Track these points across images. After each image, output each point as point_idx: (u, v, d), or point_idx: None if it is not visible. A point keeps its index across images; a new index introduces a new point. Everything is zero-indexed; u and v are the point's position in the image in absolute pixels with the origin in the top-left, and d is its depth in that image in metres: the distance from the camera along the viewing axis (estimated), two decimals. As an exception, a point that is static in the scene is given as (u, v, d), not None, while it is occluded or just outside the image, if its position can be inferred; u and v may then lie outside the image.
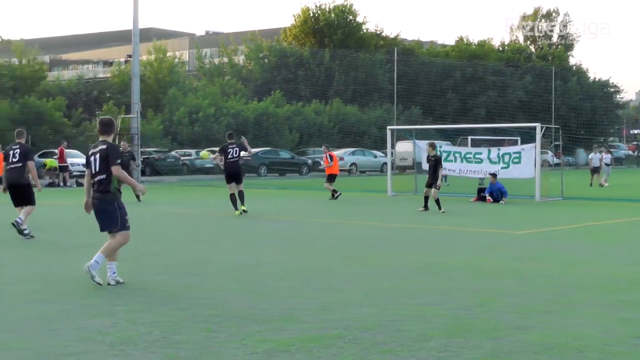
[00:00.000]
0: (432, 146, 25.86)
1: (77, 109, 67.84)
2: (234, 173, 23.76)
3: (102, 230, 11.48)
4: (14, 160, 17.33)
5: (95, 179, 11.29)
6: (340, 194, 30.89)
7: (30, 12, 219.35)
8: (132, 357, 7.41)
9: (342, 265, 13.22)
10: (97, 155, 11.29)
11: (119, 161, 11.29)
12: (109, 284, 11.04)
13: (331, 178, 31.47)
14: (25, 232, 17.08)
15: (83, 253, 14.84)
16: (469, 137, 47.54)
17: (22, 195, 17.48)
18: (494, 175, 29.41)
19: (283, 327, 8.52)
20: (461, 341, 7.94)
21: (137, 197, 27.27)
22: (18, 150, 17.39)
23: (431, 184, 24.74)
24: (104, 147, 11.34)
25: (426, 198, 24.93)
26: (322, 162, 35.27)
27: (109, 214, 11.26)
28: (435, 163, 24.90)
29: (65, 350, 7.61)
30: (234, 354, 7.50)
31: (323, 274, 12.24)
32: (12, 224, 17.13)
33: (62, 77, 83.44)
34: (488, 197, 28.68)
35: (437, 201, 24.39)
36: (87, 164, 11.50)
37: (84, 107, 69.80)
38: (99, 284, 10.90)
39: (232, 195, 23.57)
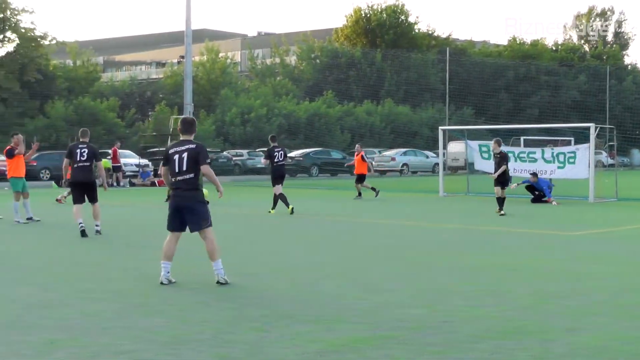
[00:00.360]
0: (498, 143, 25.00)
1: (130, 109, 68.47)
2: (280, 175, 23.98)
3: (193, 230, 11.48)
4: (82, 159, 17.74)
5: (179, 178, 11.30)
6: (378, 190, 31.50)
7: (86, 14, 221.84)
8: (184, 356, 7.46)
9: (392, 266, 13.18)
10: (185, 154, 11.29)
11: (208, 160, 11.48)
12: (161, 283, 11.12)
13: (360, 178, 31.74)
14: (98, 228, 17.67)
15: (135, 252, 14.99)
16: (522, 138, 47.21)
17: (88, 193, 17.96)
18: (534, 174, 29.05)
19: (333, 328, 8.52)
20: (512, 343, 7.88)
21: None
22: (85, 150, 17.82)
23: (501, 182, 24.09)
24: (192, 146, 11.39)
25: (499, 199, 24.28)
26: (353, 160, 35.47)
27: (200, 212, 11.38)
28: (500, 160, 24.32)
29: (118, 348, 7.68)
30: (285, 353, 7.52)
31: (373, 274, 12.21)
32: (82, 231, 17.37)
33: (116, 78, 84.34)
34: (549, 198, 28.27)
35: (500, 200, 23.84)
36: (167, 162, 11.46)
37: (137, 107, 70.44)
38: (226, 282, 11.12)
39: (280, 195, 23.59)
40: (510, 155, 30.98)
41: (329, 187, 42.28)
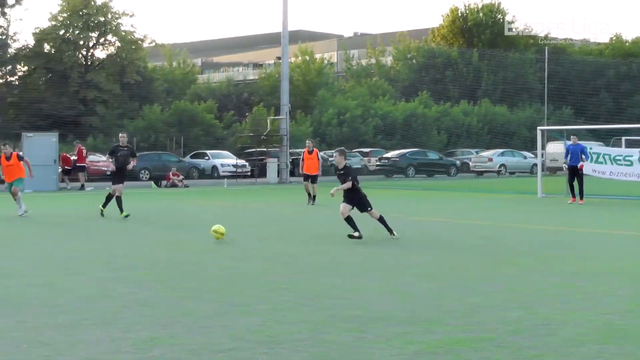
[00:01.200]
0: (343, 154, 18.65)
1: (228, 111, 69.20)
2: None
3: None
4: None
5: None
6: None
7: (184, 16, 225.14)
8: (281, 356, 7.50)
9: (489, 267, 13.04)
10: None
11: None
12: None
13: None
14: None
15: (229, 252, 15.11)
16: (623, 138, 46.23)
17: None
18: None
19: (430, 329, 8.47)
20: (614, 348, 7.71)
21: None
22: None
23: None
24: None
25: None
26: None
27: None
28: (344, 175, 23.14)
29: (217, 347, 7.77)
30: (381, 355, 7.50)
31: (469, 276, 12.10)
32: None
33: (213, 79, 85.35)
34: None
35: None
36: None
37: (234, 109, 71.17)
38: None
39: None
40: (606, 157, 29.99)
41: (424, 187, 42.02)
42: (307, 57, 76.50)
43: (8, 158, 23.80)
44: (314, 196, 27.77)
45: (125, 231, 19.57)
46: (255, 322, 8.80)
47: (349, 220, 16.81)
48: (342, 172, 17.00)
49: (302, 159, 29.38)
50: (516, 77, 79.14)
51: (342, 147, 17.82)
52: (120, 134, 24.42)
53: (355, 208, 17.01)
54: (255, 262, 13.47)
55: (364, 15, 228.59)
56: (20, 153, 23.82)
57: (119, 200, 22.53)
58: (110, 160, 23.18)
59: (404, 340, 7.98)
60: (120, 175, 22.91)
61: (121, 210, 22.32)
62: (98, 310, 9.55)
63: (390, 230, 16.83)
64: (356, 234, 16.57)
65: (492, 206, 28.23)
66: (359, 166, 58.70)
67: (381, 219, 16.92)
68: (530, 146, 63.12)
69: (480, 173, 59.14)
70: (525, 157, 62.50)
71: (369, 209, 16.93)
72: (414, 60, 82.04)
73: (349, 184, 16.70)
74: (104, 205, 23.00)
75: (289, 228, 20.31)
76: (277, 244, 16.08)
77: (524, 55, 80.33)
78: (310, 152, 28.70)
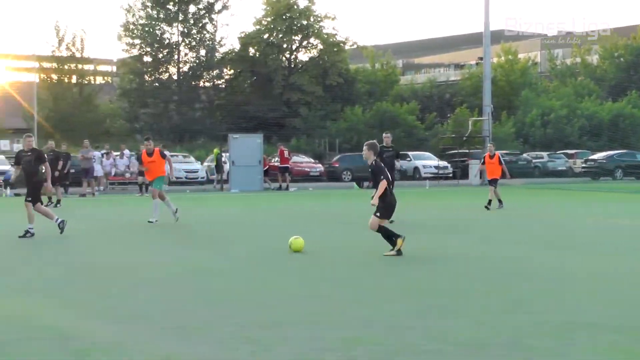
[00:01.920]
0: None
1: (429, 112, 69.14)
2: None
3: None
4: None
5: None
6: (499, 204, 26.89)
7: (386, 19, 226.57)
8: (484, 359, 7.39)
9: None
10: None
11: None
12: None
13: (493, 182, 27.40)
14: None
15: (434, 254, 15.03)
16: None
17: None
18: None
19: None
20: None
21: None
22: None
23: None
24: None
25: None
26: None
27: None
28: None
29: (418, 349, 7.72)
30: (587, 362, 7.27)
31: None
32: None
33: (415, 81, 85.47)
34: None
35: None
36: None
37: (436, 110, 71.02)
38: None
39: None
40: None
41: (632, 190, 40.43)
42: (510, 57, 75.37)
43: (150, 154, 22.24)
44: (499, 200, 26.75)
45: (335, 229, 19.74)
46: (455, 325, 8.69)
47: (384, 230, 14.41)
48: (371, 169, 14.52)
49: (484, 164, 28.33)
50: None
51: (373, 141, 14.93)
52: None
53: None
54: (463, 265, 13.34)
55: (567, 14, 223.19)
56: (164, 150, 23.02)
57: None
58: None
59: (613, 349, 7.68)
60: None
61: None
62: (304, 309, 9.70)
63: (393, 243, 14.28)
64: (392, 252, 14.23)
65: None
66: (564, 168, 57.30)
67: (381, 230, 14.37)
68: None
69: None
70: None
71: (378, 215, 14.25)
72: (621, 59, 79.29)
73: (384, 184, 14.08)
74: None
75: (490, 232, 20.06)
76: (480, 247, 15.88)
77: None
78: (491, 157, 27.74)
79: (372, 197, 14.24)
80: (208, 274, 12.55)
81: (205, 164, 50.58)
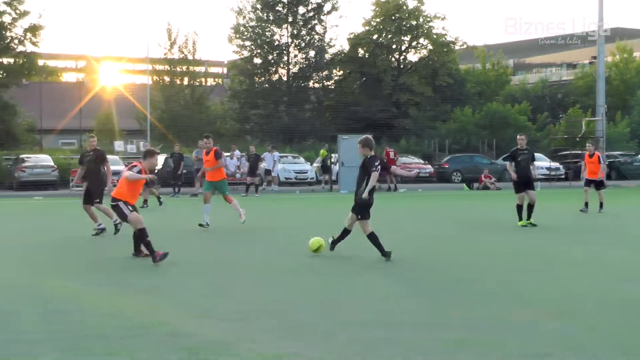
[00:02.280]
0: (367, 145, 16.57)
1: (541, 112, 68.16)
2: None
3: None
4: None
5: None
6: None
7: (494, 18, 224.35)
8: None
9: None
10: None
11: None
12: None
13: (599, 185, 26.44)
14: None
15: (546, 257, 14.79)
16: None
17: None
18: None
19: None
20: None
21: None
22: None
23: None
24: None
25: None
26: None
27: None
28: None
29: (528, 351, 7.60)
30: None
31: None
32: None
33: (527, 81, 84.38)
34: None
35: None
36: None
37: (548, 110, 69.97)
38: None
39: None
40: None
41: None
42: (625, 55, 73.74)
43: (207, 152, 21.11)
44: (601, 203, 25.86)
45: (445, 234, 19.61)
46: (568, 330, 8.51)
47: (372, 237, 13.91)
48: (362, 163, 13.93)
49: (584, 164, 27.29)
50: None
51: (367, 135, 14.44)
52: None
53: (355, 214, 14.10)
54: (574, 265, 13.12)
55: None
56: (220, 150, 21.60)
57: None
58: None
59: None
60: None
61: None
62: (409, 310, 9.65)
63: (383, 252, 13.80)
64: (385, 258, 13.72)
65: None
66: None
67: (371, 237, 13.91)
68: None
69: None
70: None
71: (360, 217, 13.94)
72: None
73: (375, 176, 13.54)
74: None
75: (606, 232, 19.68)
76: (595, 247, 15.61)
77: None
78: (591, 156, 26.79)
79: (362, 191, 13.65)
80: (311, 273, 12.70)
81: (315, 164, 50.84)
